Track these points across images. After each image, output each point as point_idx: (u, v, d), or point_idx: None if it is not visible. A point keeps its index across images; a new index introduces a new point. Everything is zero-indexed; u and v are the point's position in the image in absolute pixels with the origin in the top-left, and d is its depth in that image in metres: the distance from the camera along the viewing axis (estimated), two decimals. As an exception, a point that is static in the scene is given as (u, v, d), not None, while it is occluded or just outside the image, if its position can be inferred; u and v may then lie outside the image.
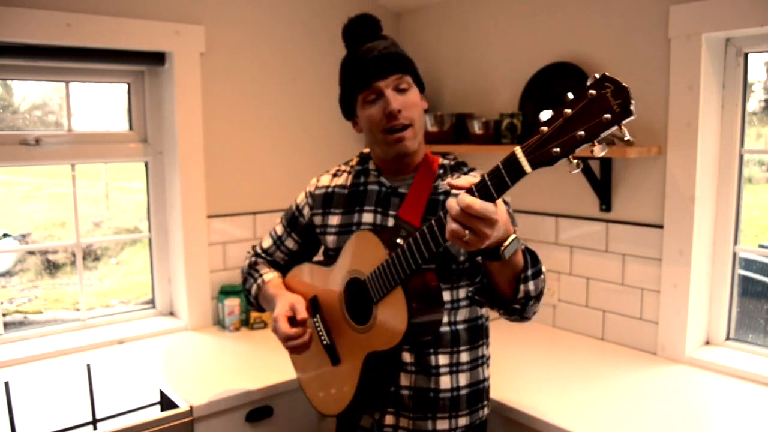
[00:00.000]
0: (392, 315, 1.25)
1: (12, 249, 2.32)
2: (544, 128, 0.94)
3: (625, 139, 0.92)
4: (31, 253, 2.35)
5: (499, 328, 2.41)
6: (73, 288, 2.36)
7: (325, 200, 1.53)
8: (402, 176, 1.45)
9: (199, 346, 2.24)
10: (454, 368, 1.42)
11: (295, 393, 1.92)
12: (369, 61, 1.35)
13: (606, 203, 2.16)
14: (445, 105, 2.74)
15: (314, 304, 1.50)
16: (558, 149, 0.93)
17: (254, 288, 1.61)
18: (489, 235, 1.01)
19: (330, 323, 1.46)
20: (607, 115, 0.90)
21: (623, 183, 2.12)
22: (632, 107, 0.89)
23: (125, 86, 2.37)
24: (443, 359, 1.41)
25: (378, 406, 1.44)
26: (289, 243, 1.63)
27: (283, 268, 1.66)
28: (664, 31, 1.95)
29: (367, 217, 1.45)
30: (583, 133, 0.91)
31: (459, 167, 1.46)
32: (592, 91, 0.91)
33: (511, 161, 0.97)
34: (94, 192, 2.47)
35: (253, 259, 1.68)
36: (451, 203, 1.01)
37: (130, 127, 2.40)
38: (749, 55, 1.93)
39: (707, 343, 2.08)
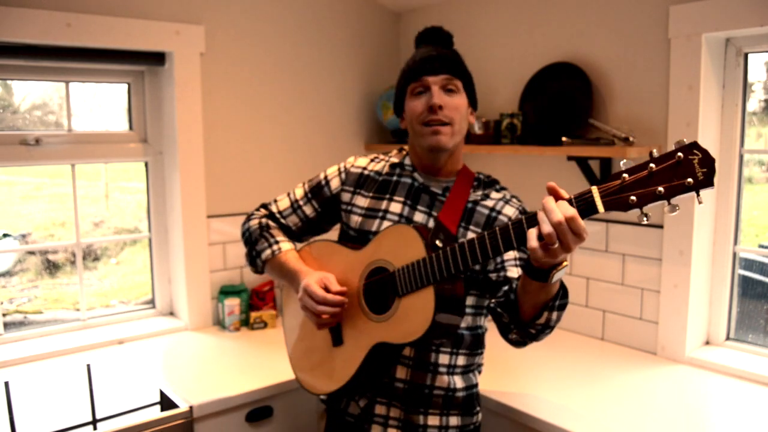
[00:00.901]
0: (416, 312, 1.26)
1: (12, 249, 2.32)
2: (626, 176, 1.00)
3: (700, 204, 0.98)
4: (31, 253, 2.35)
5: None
6: (73, 288, 2.36)
7: (359, 180, 1.55)
8: (436, 177, 1.48)
9: (199, 346, 2.24)
10: (451, 369, 1.44)
11: (295, 393, 1.92)
12: (424, 57, 1.42)
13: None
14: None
15: None
16: (635, 198, 0.99)
17: (267, 253, 1.56)
18: (572, 250, 1.04)
19: None
20: (690, 180, 0.95)
21: (623, 183, 2.12)
22: (715, 179, 0.94)
23: (125, 86, 2.37)
24: (443, 358, 1.43)
25: (366, 394, 1.45)
26: (308, 209, 1.61)
27: (294, 235, 1.64)
28: (664, 31, 1.95)
29: (395, 207, 1.47)
30: (662, 189, 0.96)
31: (492, 183, 1.53)
32: (680, 155, 0.96)
33: (586, 199, 1.03)
34: (94, 192, 2.47)
35: (265, 220, 1.62)
36: (552, 207, 1.02)
37: (130, 127, 2.40)
38: (749, 55, 1.93)
39: (707, 343, 2.08)
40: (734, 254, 2.01)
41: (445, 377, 1.43)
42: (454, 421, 1.44)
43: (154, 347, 2.21)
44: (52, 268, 2.38)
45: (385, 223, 1.46)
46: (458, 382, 1.45)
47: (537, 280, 1.15)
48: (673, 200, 0.97)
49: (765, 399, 1.74)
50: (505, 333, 1.36)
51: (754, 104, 2.01)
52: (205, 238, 2.42)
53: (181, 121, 2.31)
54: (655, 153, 0.98)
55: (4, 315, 2.20)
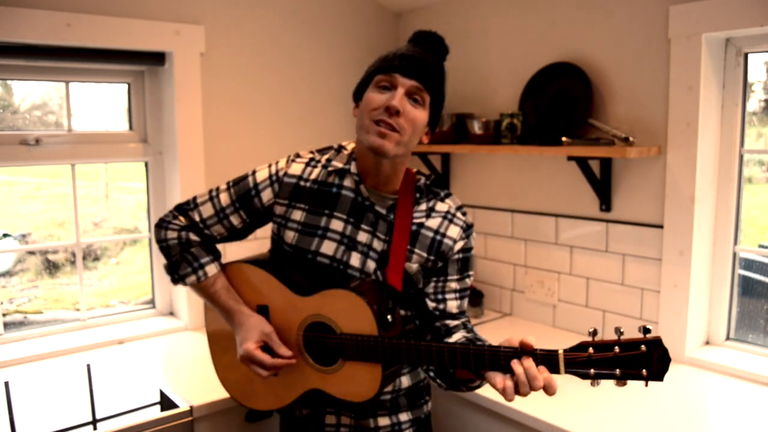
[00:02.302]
0: (362, 378, 1.29)
1: (12, 249, 2.32)
2: (592, 350, 1.11)
3: (645, 386, 1.12)
4: (31, 253, 2.35)
5: (499, 328, 2.41)
6: (73, 288, 2.36)
7: (294, 192, 1.40)
8: (380, 192, 1.38)
9: (199, 346, 2.24)
10: (396, 372, 1.40)
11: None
12: (405, 54, 1.30)
13: (606, 203, 2.16)
14: (445, 105, 2.73)
15: (262, 313, 1.43)
16: (593, 372, 1.10)
17: (191, 278, 1.42)
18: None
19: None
20: (645, 372, 1.07)
21: (623, 183, 2.12)
22: (665, 376, 1.08)
23: (125, 86, 2.37)
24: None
25: (311, 405, 1.44)
26: (235, 219, 1.44)
27: (217, 242, 1.49)
28: (664, 31, 1.95)
29: (337, 225, 1.37)
30: (618, 372, 1.09)
31: (435, 191, 1.44)
32: (644, 347, 1.08)
33: (551, 360, 1.14)
34: (94, 192, 2.47)
35: (185, 235, 1.43)
36: (535, 375, 1.13)
37: (130, 127, 2.40)
38: (749, 55, 1.93)
39: (707, 343, 2.08)
40: (734, 254, 2.01)
41: (392, 383, 1.43)
42: (404, 416, 1.45)
43: (154, 347, 2.21)
44: (52, 268, 2.37)
45: (326, 243, 1.36)
46: (405, 382, 1.45)
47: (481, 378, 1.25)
48: (623, 381, 1.09)
49: (765, 399, 1.74)
50: (440, 386, 1.41)
51: (754, 104, 2.01)
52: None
53: (181, 121, 2.31)
54: (622, 336, 1.09)
55: (4, 315, 2.20)
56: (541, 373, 1.13)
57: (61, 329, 2.28)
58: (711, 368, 1.94)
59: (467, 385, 1.34)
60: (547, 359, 1.13)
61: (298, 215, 1.39)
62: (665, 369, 1.07)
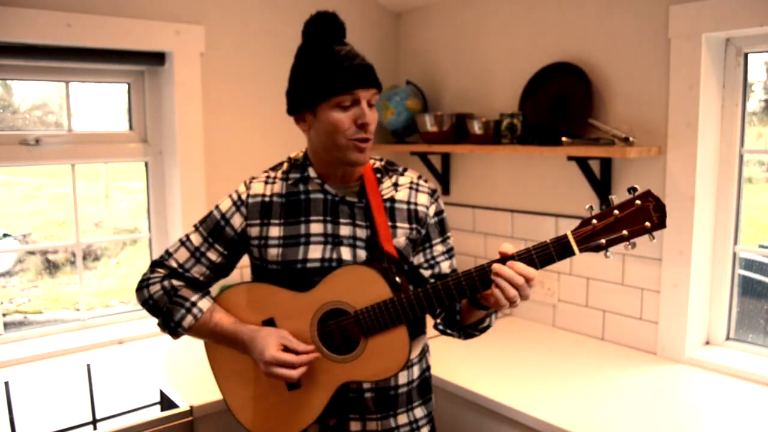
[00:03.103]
0: (388, 351, 1.29)
1: (12, 249, 2.32)
2: (595, 221, 1.18)
3: (653, 241, 1.19)
4: (31, 253, 2.35)
5: (498, 328, 2.41)
6: (73, 288, 2.36)
7: (262, 210, 1.40)
8: (345, 183, 1.41)
9: (199, 346, 2.22)
10: (409, 363, 1.43)
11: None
12: (354, 67, 1.32)
13: (606, 203, 2.16)
14: (445, 105, 2.74)
15: (269, 326, 1.40)
16: (604, 241, 1.18)
17: (188, 319, 1.37)
18: (528, 297, 1.22)
19: None
20: (648, 224, 1.15)
21: (623, 183, 2.12)
22: (666, 221, 1.15)
23: (125, 86, 2.37)
24: None
25: (336, 413, 1.41)
26: (212, 255, 1.42)
27: (203, 286, 1.45)
28: (664, 31, 1.95)
29: (317, 228, 1.37)
30: (627, 233, 1.16)
31: (392, 168, 1.48)
32: (638, 202, 1.16)
33: (563, 243, 1.20)
34: (94, 192, 2.47)
35: (168, 282, 1.40)
36: (511, 275, 1.19)
37: (130, 127, 2.40)
38: (749, 55, 1.93)
39: (707, 343, 2.08)
40: (734, 254, 2.01)
41: (405, 372, 1.43)
42: (419, 412, 1.46)
43: (154, 347, 2.21)
44: (52, 268, 2.37)
45: (312, 248, 1.36)
46: (416, 372, 1.45)
47: (484, 310, 1.33)
48: (633, 240, 1.17)
49: (765, 399, 1.74)
50: (452, 336, 1.47)
51: (754, 104, 2.01)
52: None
53: (181, 121, 2.31)
54: (615, 200, 1.17)
55: (4, 315, 2.20)
56: (516, 270, 1.19)
57: (61, 329, 2.28)
58: (711, 368, 1.94)
59: (477, 328, 1.41)
60: (559, 244, 1.20)
61: (275, 231, 1.39)
62: (664, 215, 1.14)
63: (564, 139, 2.04)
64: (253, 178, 1.46)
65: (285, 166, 1.46)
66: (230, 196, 1.44)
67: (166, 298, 1.39)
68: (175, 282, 1.41)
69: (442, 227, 1.48)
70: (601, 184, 2.15)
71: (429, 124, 2.48)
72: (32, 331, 2.23)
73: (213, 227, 1.42)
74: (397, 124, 2.65)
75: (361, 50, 1.42)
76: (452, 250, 1.51)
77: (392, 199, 1.42)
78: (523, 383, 1.86)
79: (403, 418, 1.43)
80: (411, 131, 2.68)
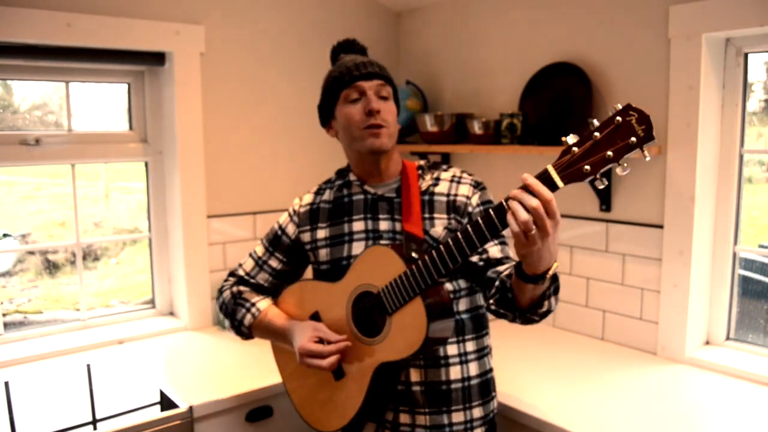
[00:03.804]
0: (410, 324, 1.27)
1: (12, 249, 2.32)
2: (575, 149, 1.07)
3: (647, 159, 1.07)
4: (31, 253, 2.35)
5: (498, 328, 2.41)
6: (73, 288, 2.36)
7: (311, 216, 1.55)
8: (384, 182, 1.50)
9: (199, 346, 2.24)
10: (463, 358, 1.44)
11: (295, 393, 1.91)
12: (355, 64, 1.44)
13: (606, 203, 2.16)
14: (445, 105, 2.74)
15: (315, 318, 1.50)
16: (588, 167, 1.06)
17: (248, 318, 1.55)
18: (549, 234, 1.07)
19: None
20: (633, 138, 1.03)
21: (623, 183, 2.12)
22: (654, 132, 1.02)
23: (125, 86, 2.37)
24: (451, 349, 1.43)
25: (384, 412, 1.44)
26: (273, 262, 1.61)
27: (269, 292, 1.63)
28: (664, 31, 1.95)
29: (358, 225, 1.48)
30: (611, 153, 1.04)
31: (437, 166, 1.55)
32: (618, 118, 1.04)
33: (545, 177, 1.08)
34: (94, 192, 2.47)
35: (236, 288, 1.61)
36: (526, 195, 1.06)
37: (130, 127, 2.40)
38: (749, 55, 1.93)
39: (707, 343, 2.08)
40: (734, 254, 2.01)
41: (458, 367, 1.43)
42: (477, 412, 1.45)
43: (154, 347, 2.21)
44: (52, 268, 2.38)
45: (355, 245, 1.46)
46: (473, 369, 1.45)
47: (531, 283, 1.18)
48: (622, 160, 1.04)
49: (765, 399, 1.74)
50: (507, 319, 1.34)
51: (754, 104, 2.01)
52: (205, 238, 2.42)
53: (181, 121, 2.31)
54: (596, 123, 1.05)
55: (4, 315, 2.20)
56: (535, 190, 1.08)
57: (61, 329, 2.28)
58: (711, 368, 1.94)
59: (537, 312, 1.25)
60: (542, 179, 1.09)
61: (322, 233, 1.52)
62: (650, 127, 1.02)
63: (564, 139, 2.04)
64: (308, 191, 1.62)
65: (333, 176, 1.61)
66: (288, 210, 1.62)
67: (233, 301, 1.59)
68: (242, 288, 1.61)
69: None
70: (601, 184, 2.14)
71: (429, 124, 2.48)
72: (32, 331, 2.23)
73: (273, 238, 1.61)
74: (401, 122, 2.65)
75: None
76: (503, 238, 1.44)
77: (430, 192, 1.47)
78: (522, 383, 1.85)
79: (458, 416, 1.43)
80: (411, 131, 2.68)
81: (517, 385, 1.84)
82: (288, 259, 1.60)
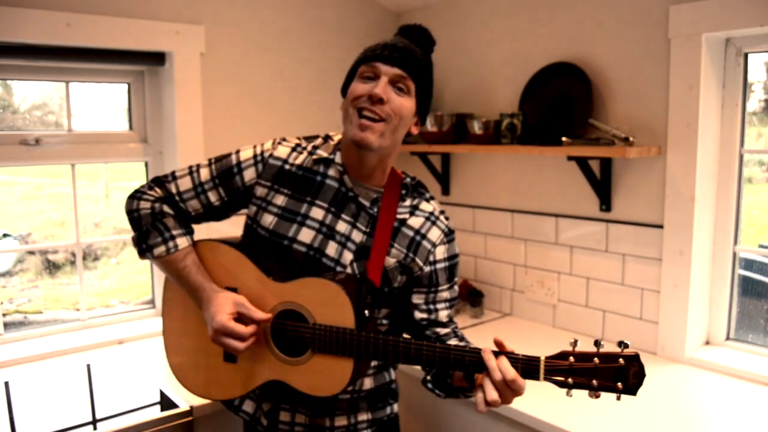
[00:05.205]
0: (330, 373, 1.26)
1: (12, 249, 2.32)
2: (572, 359, 1.12)
3: (618, 400, 1.13)
4: (31, 253, 2.35)
5: (498, 328, 2.42)
6: (73, 288, 2.36)
7: (278, 175, 1.36)
8: (365, 184, 1.36)
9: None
10: (363, 371, 1.35)
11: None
12: (386, 44, 1.29)
13: (606, 203, 2.16)
14: (445, 105, 2.74)
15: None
16: (571, 380, 1.12)
17: (160, 249, 1.34)
18: (510, 403, 1.17)
19: None
20: (620, 384, 1.10)
21: (623, 183, 2.12)
22: (638, 391, 1.10)
23: (125, 86, 2.37)
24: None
25: (269, 399, 1.40)
26: (212, 196, 1.39)
27: (192, 220, 1.43)
28: (664, 31, 1.95)
29: (317, 213, 1.34)
30: (596, 383, 1.11)
31: (421, 191, 1.43)
32: (622, 361, 1.10)
33: (532, 365, 1.15)
34: (94, 192, 2.47)
35: (158, 206, 1.37)
36: (494, 367, 1.14)
37: (130, 127, 2.40)
38: (749, 55, 1.93)
39: (707, 343, 2.08)
40: (734, 254, 2.01)
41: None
42: (363, 416, 1.41)
43: (154, 347, 2.21)
44: (52, 268, 2.37)
45: (304, 230, 1.33)
46: (367, 383, 1.41)
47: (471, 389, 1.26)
48: (599, 392, 1.11)
49: (765, 399, 1.74)
50: (434, 391, 1.40)
51: (754, 104, 2.01)
52: (205, 238, 2.41)
53: (181, 121, 2.31)
54: (602, 343, 1.12)
55: (4, 315, 2.20)
56: (501, 367, 1.14)
57: (61, 329, 2.28)
58: (711, 368, 1.94)
59: (464, 393, 1.32)
60: (528, 364, 1.14)
61: (279, 200, 1.35)
62: (639, 384, 1.09)
63: (564, 139, 2.04)
64: (284, 139, 1.42)
65: (318, 141, 1.41)
66: (254, 147, 1.40)
67: (150, 219, 1.36)
68: (166, 209, 1.38)
69: (451, 273, 1.42)
70: (601, 184, 2.15)
71: (429, 123, 2.48)
72: (32, 331, 2.23)
73: (225, 170, 1.38)
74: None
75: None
76: (456, 299, 1.45)
77: (403, 222, 1.37)
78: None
79: (341, 420, 1.39)
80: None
81: (517, 385, 1.84)
82: (228, 199, 1.39)
